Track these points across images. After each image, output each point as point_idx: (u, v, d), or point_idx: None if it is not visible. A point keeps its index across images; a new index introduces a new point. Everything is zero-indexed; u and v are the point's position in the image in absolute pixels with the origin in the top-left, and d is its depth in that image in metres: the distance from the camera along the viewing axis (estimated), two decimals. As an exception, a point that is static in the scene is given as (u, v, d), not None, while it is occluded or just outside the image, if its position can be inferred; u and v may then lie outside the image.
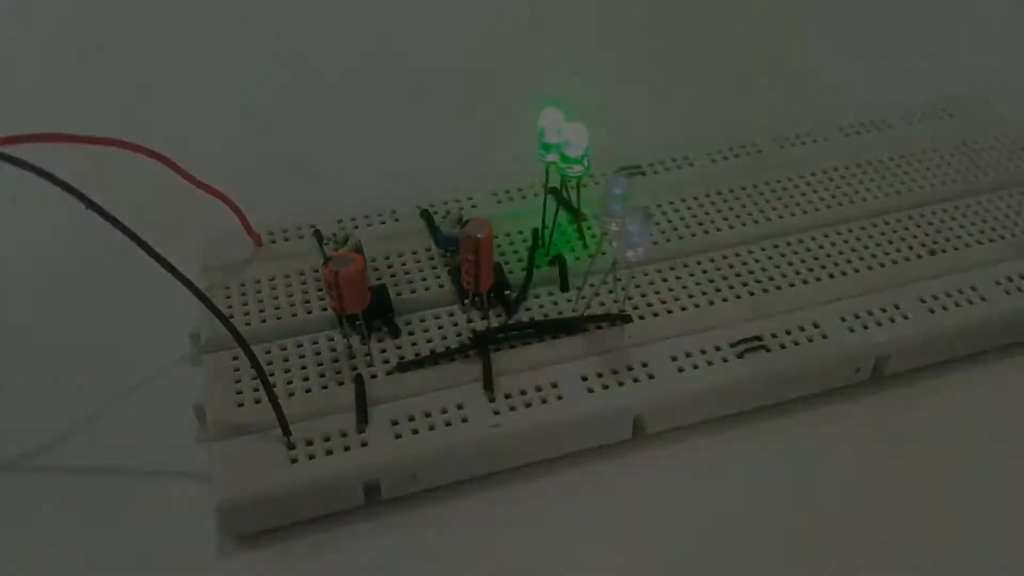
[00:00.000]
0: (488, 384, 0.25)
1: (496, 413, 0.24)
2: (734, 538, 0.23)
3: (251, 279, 0.28)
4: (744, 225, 0.30)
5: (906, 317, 0.26)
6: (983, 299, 0.27)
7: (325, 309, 0.27)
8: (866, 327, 0.26)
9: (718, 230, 0.29)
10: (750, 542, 0.23)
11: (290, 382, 0.25)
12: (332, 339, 0.26)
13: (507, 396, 0.25)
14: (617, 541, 0.23)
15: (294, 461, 0.23)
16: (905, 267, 0.28)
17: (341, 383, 0.25)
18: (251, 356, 0.22)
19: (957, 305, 0.27)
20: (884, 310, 0.27)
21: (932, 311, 0.27)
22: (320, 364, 0.25)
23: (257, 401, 0.24)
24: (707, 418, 0.26)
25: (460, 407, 0.24)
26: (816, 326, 0.26)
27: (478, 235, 0.23)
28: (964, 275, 0.28)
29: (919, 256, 0.29)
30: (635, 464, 0.25)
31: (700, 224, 0.30)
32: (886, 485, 0.24)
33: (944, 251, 0.29)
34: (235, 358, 0.26)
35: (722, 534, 0.23)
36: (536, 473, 0.25)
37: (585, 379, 0.25)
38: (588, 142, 0.25)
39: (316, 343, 0.26)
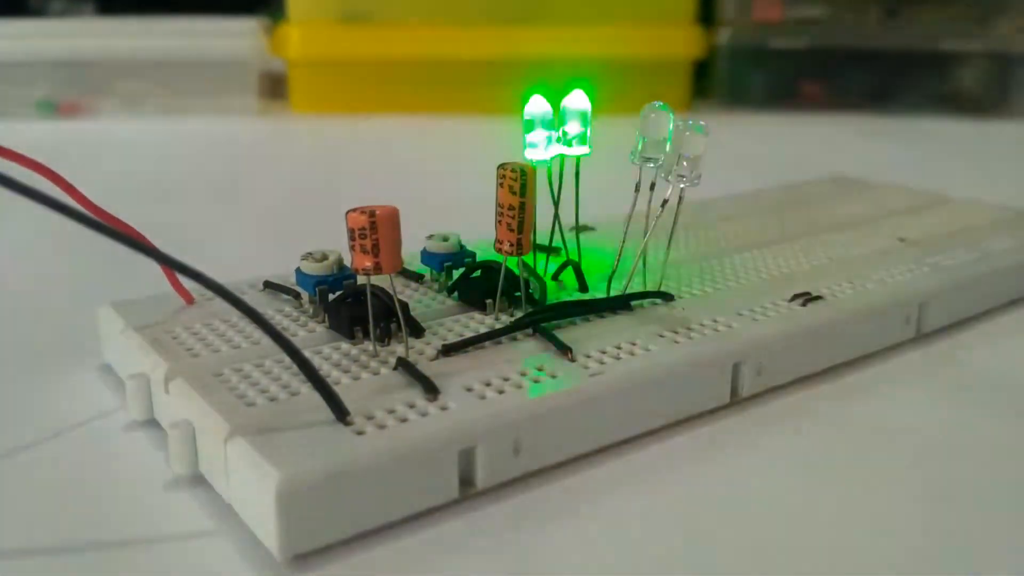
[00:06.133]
0: (564, 349, 0.20)
1: (586, 368, 0.19)
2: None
3: (201, 323, 0.22)
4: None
5: (936, 270, 0.27)
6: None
7: (313, 331, 0.21)
8: (905, 278, 0.26)
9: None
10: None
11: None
12: (339, 347, 0.20)
13: (587, 357, 0.20)
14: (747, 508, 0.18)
15: (360, 433, 0.16)
16: (899, 247, 0.29)
17: (376, 373, 0.19)
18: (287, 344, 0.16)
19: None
20: (911, 270, 0.26)
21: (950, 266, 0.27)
22: (337, 365, 0.19)
23: (271, 399, 0.18)
24: (795, 374, 0.22)
25: (541, 368, 0.19)
26: (859, 282, 0.25)
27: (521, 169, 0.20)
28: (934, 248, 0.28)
29: (900, 240, 0.29)
30: (734, 429, 0.21)
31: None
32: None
33: (904, 239, 0.29)
34: (219, 374, 0.19)
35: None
36: (635, 448, 0.19)
37: (662, 336, 0.21)
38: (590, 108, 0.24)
39: (320, 352, 0.20)
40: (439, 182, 0.49)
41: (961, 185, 0.38)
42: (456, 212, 0.30)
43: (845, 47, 0.73)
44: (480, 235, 0.25)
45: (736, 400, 0.21)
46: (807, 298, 0.23)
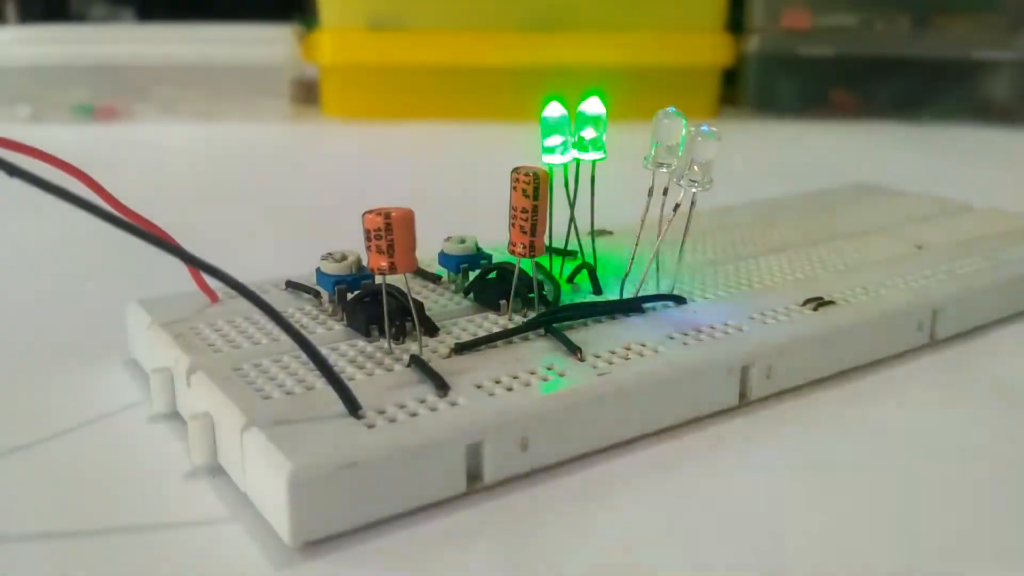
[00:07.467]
0: (574, 349, 0.20)
1: (594, 368, 0.20)
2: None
3: (223, 320, 0.22)
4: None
5: (951, 277, 0.27)
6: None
7: (331, 329, 0.22)
8: (919, 284, 0.26)
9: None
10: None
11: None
12: (355, 345, 0.21)
13: (596, 357, 0.20)
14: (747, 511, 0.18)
15: (371, 427, 0.17)
16: (915, 254, 0.29)
17: (390, 370, 0.19)
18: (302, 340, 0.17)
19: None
20: (926, 277, 0.27)
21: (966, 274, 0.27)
22: (353, 361, 0.20)
23: (287, 393, 0.18)
24: (805, 378, 0.23)
25: (550, 368, 0.20)
26: (873, 288, 0.25)
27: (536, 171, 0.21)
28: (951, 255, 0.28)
29: (918, 247, 0.29)
30: (742, 431, 0.21)
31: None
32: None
33: (922, 246, 0.29)
34: (237, 368, 0.19)
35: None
36: (642, 447, 0.20)
37: (672, 338, 0.21)
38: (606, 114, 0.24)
39: (336, 349, 0.20)
40: (463, 186, 0.49)
41: (989, 194, 0.38)
42: (477, 215, 0.30)
43: (875, 56, 0.72)
44: (499, 238, 0.26)
45: (745, 402, 0.22)
46: (819, 302, 0.24)
